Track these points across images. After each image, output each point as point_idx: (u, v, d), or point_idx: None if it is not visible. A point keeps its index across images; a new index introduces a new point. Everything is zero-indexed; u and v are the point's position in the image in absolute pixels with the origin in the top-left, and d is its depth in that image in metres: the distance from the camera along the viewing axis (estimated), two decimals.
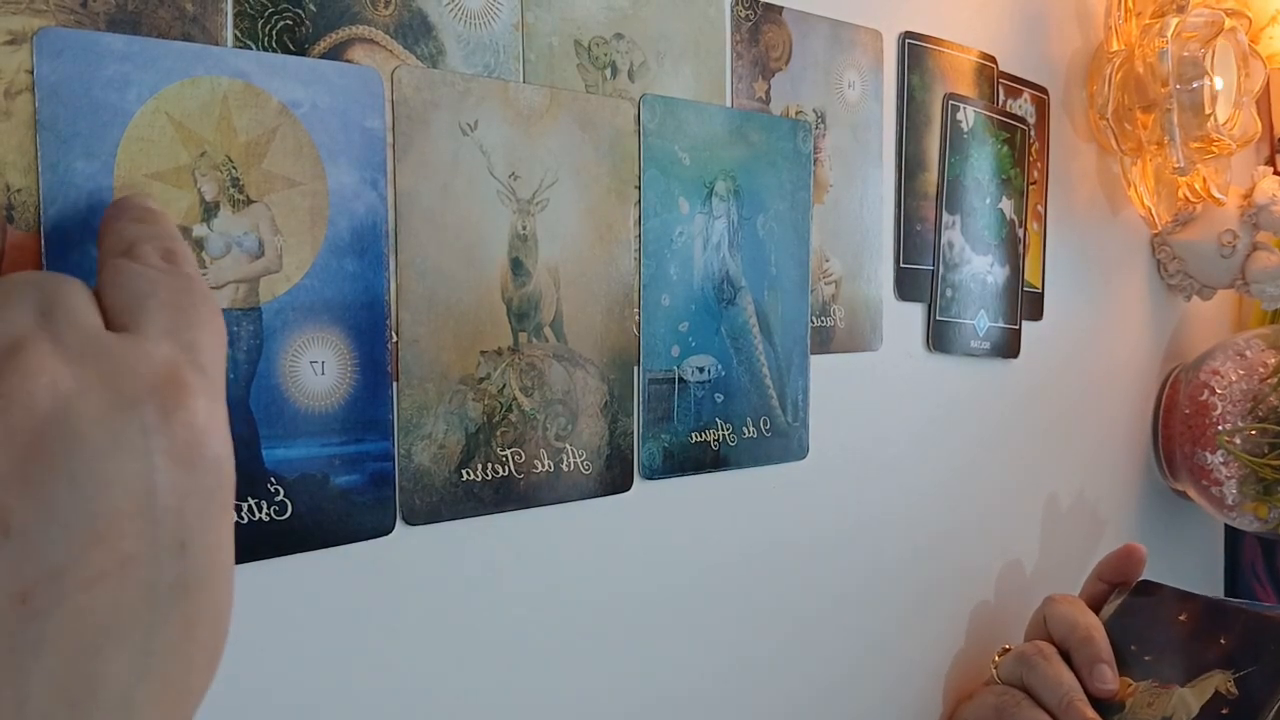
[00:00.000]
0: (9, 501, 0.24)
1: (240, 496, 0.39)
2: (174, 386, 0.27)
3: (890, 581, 0.69)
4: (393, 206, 0.43)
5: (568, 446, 0.49)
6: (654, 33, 0.52)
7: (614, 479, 0.51)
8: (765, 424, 0.58)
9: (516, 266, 0.47)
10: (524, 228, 0.47)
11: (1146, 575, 0.69)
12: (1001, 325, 0.76)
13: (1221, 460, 0.91)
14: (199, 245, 0.38)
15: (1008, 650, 0.68)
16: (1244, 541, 1.15)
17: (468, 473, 0.45)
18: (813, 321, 0.61)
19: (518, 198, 0.47)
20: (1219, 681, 0.53)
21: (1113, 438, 0.95)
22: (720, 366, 0.55)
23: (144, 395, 0.26)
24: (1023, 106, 0.79)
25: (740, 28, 0.56)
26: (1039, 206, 0.81)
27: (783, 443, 0.59)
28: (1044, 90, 0.81)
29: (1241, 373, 0.91)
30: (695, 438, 0.55)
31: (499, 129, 0.46)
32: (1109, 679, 0.59)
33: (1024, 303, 0.78)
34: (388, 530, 0.43)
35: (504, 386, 0.47)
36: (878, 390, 0.67)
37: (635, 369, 0.52)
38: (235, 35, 0.38)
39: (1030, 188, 0.79)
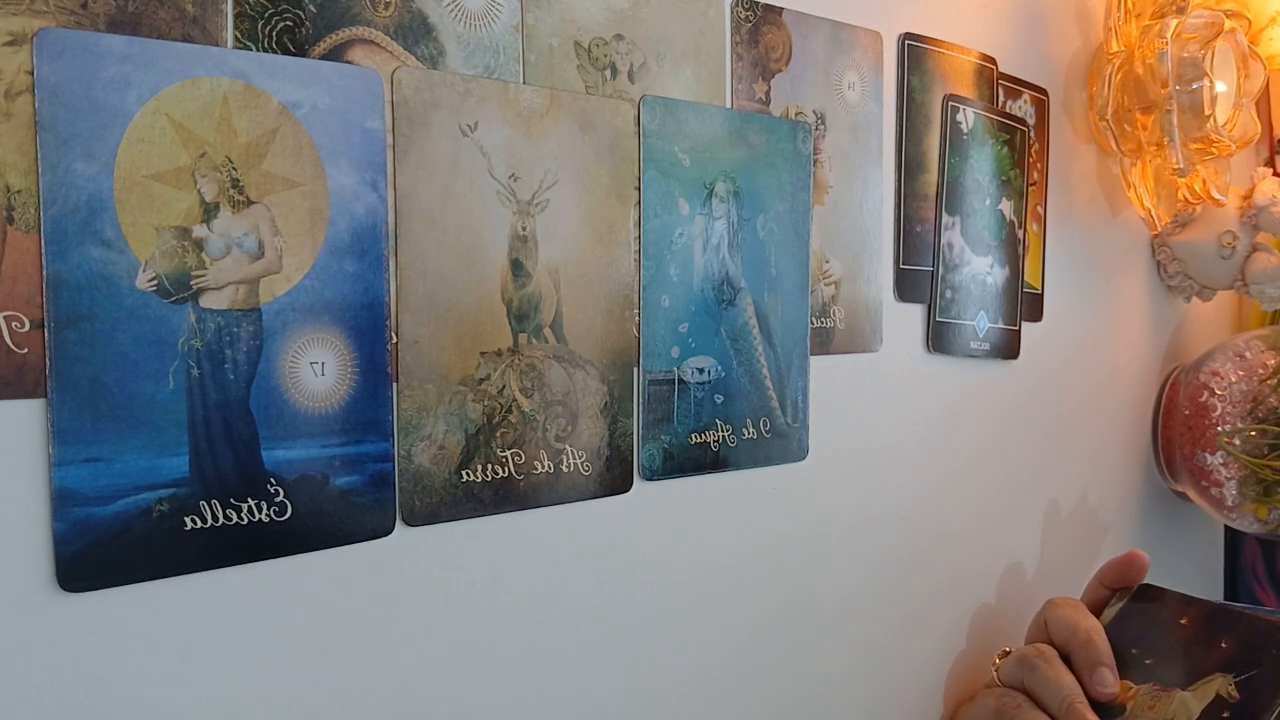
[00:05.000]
0: None
1: (240, 497, 0.39)
2: None
3: (890, 583, 0.69)
4: (393, 208, 0.43)
5: (568, 447, 0.49)
6: (654, 34, 0.52)
7: (614, 480, 0.51)
8: (765, 425, 0.58)
9: (516, 267, 0.47)
10: (524, 229, 0.47)
11: (1147, 579, 0.69)
12: (1001, 326, 0.76)
13: (1221, 461, 0.91)
14: (199, 246, 0.38)
15: (1008, 653, 0.68)
16: (1244, 543, 1.15)
17: (468, 474, 0.45)
18: (813, 322, 0.61)
19: (518, 199, 0.47)
20: (1220, 685, 0.53)
21: (1113, 439, 0.95)
22: (720, 367, 0.55)
23: None
24: (1022, 107, 0.79)
25: (740, 29, 0.56)
26: (1039, 207, 0.81)
27: (782, 444, 0.59)
28: (1044, 91, 0.81)
29: (1241, 374, 0.91)
30: (695, 439, 0.55)
31: (499, 130, 0.46)
32: (1109, 682, 0.59)
33: (1024, 304, 0.78)
34: (388, 531, 0.43)
35: (504, 387, 0.47)
36: (877, 391, 0.67)
37: (635, 370, 0.52)
38: (235, 36, 0.38)
39: (1030, 189, 0.79)
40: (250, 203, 0.39)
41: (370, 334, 0.42)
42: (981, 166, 0.73)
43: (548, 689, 0.49)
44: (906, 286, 0.68)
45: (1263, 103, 1.03)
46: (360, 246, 0.42)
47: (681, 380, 0.54)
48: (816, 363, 0.61)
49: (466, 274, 0.45)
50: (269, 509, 0.39)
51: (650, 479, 0.53)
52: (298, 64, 0.40)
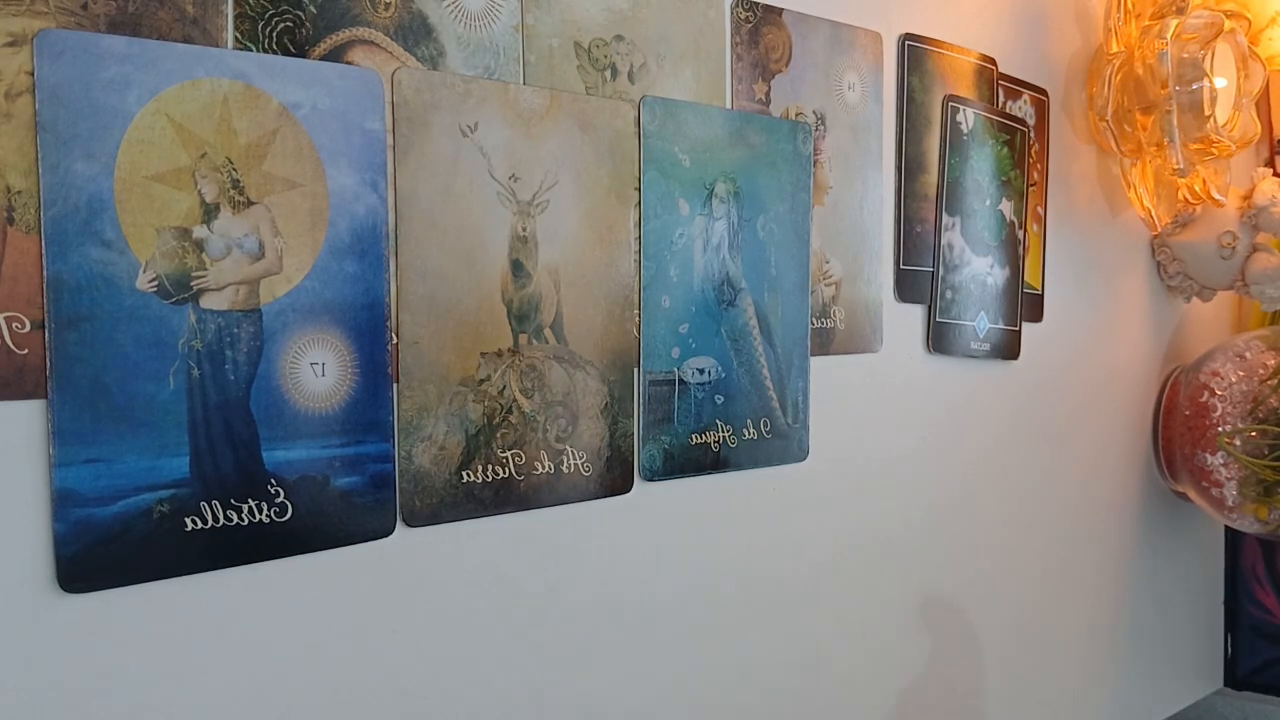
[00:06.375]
0: None
1: (240, 498, 0.39)
2: None
3: (890, 581, 0.69)
4: (393, 208, 0.43)
5: (568, 448, 0.49)
6: (654, 34, 0.52)
7: (614, 480, 0.51)
8: (765, 425, 0.58)
9: (517, 268, 0.47)
10: (524, 229, 0.47)
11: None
12: (1002, 327, 0.76)
13: (1221, 461, 0.91)
14: (199, 247, 0.38)
15: None
16: (1244, 543, 1.15)
17: (468, 474, 0.45)
18: (813, 323, 0.61)
19: (518, 199, 0.47)
20: None
21: (1113, 439, 0.95)
22: (720, 368, 0.55)
23: None
24: (1022, 108, 0.79)
25: (740, 29, 0.56)
26: (1039, 208, 0.81)
27: (783, 444, 0.59)
28: (1044, 92, 0.81)
29: (1241, 374, 0.91)
30: (695, 439, 0.54)
31: (499, 131, 0.46)
32: None
33: (1024, 304, 0.78)
34: (388, 532, 0.43)
35: (504, 388, 0.47)
36: (878, 392, 0.67)
37: (635, 370, 0.52)
38: (235, 37, 0.38)
39: (1030, 189, 0.79)
40: (250, 203, 0.39)
41: (370, 334, 0.42)
42: (981, 167, 0.73)
43: (548, 688, 0.49)
44: (907, 287, 0.68)
45: (1263, 103, 1.03)
46: (360, 247, 0.42)
47: (682, 381, 0.54)
48: (817, 363, 0.61)
49: (467, 274, 0.45)
50: (269, 510, 0.39)
51: (651, 479, 0.53)
52: (298, 65, 0.40)
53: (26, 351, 0.34)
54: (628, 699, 0.53)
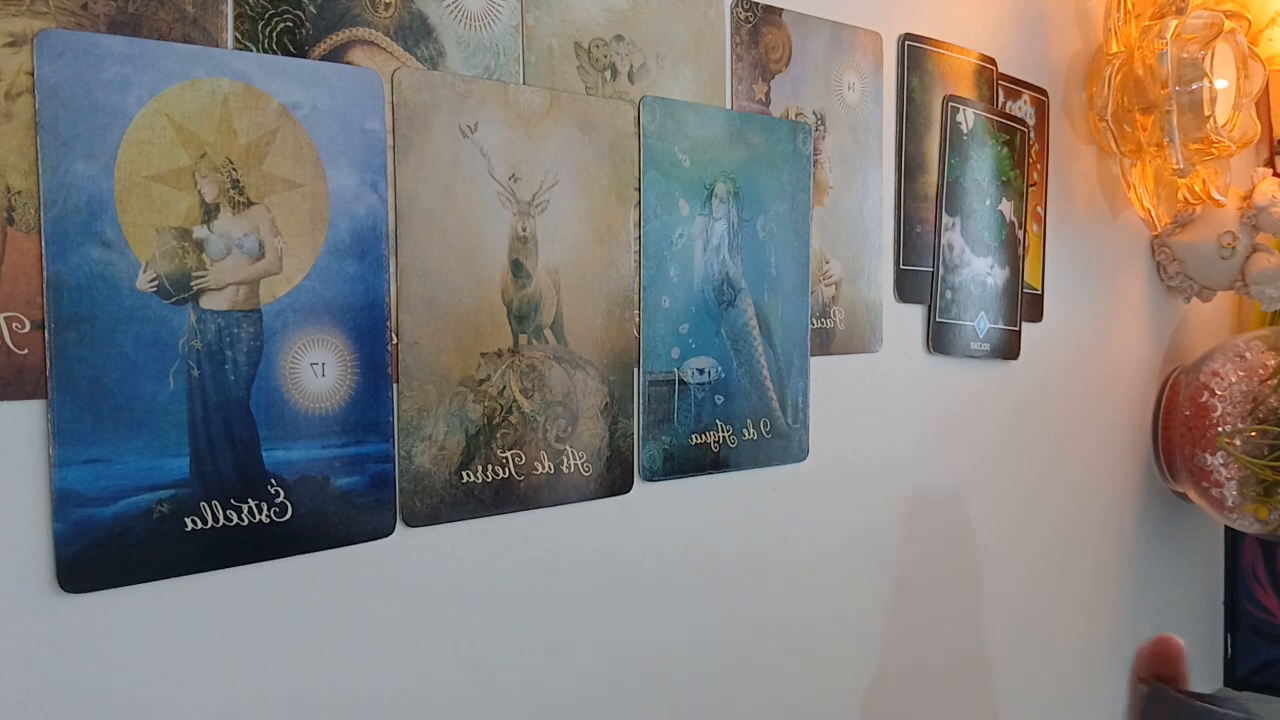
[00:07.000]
0: None
1: (240, 498, 0.39)
2: None
3: (890, 582, 0.69)
4: (393, 208, 0.43)
5: (568, 448, 0.49)
6: (654, 35, 0.52)
7: (614, 481, 0.51)
8: (765, 426, 0.58)
9: (517, 268, 0.47)
10: (524, 229, 0.47)
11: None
12: (1001, 327, 0.76)
13: (1221, 462, 0.91)
14: (199, 247, 0.38)
15: None
16: (1244, 543, 1.15)
17: (468, 474, 0.45)
18: (813, 323, 0.61)
19: (518, 199, 0.47)
20: None
21: (1113, 439, 0.95)
22: (720, 368, 0.55)
23: None
24: (1022, 108, 0.79)
25: (740, 30, 0.56)
26: (1039, 208, 0.81)
27: (783, 444, 0.59)
28: (1044, 92, 0.81)
29: (1241, 374, 0.91)
30: (695, 439, 0.54)
31: (499, 131, 0.46)
32: None
33: (1024, 304, 0.78)
34: (388, 532, 0.43)
35: (504, 388, 0.47)
36: (878, 392, 0.67)
37: (635, 371, 0.52)
38: (235, 37, 0.38)
39: (1030, 189, 0.79)
40: (250, 204, 0.39)
41: (370, 335, 0.42)
42: (981, 167, 0.73)
43: (548, 689, 0.49)
44: (907, 287, 0.68)
45: (1262, 103, 1.03)
46: (360, 247, 0.42)
47: (682, 381, 0.54)
48: (817, 363, 0.61)
49: (467, 275, 0.45)
50: (269, 510, 0.39)
51: (651, 480, 0.53)
52: (298, 65, 0.40)
53: (26, 351, 0.34)
54: (627, 697, 0.53)
